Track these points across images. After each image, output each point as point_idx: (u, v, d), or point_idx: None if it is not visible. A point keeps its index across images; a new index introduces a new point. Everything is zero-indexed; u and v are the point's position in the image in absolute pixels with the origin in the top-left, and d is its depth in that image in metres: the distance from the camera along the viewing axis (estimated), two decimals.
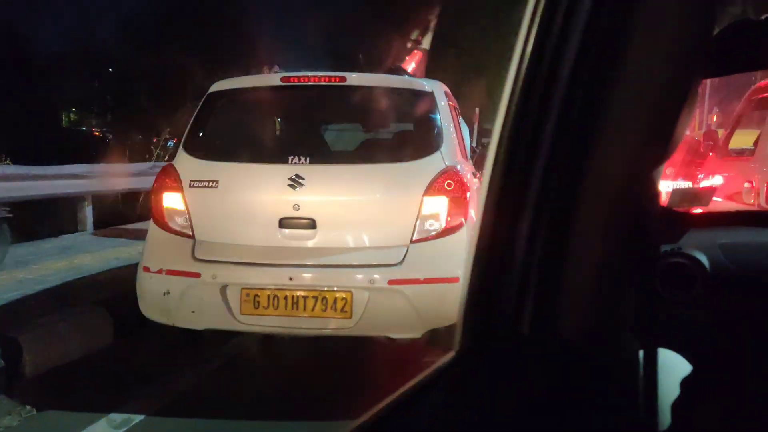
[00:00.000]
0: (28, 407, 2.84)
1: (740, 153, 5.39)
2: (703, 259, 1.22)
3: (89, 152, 10.20)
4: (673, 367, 1.04)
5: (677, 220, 1.43)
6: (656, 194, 0.64)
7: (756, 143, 4.98)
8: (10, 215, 5.19)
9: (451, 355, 0.70)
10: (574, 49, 0.60)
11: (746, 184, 4.51)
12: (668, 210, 1.62)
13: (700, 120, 21.30)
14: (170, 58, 14.29)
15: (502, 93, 0.66)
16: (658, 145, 0.60)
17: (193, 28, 16.28)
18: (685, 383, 0.92)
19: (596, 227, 0.62)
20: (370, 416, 0.62)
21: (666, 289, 1.24)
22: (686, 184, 7.37)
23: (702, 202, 1.64)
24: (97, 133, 19.06)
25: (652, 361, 0.76)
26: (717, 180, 5.33)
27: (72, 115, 22.95)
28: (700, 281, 1.20)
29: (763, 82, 5.22)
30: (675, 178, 8.28)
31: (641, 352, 0.93)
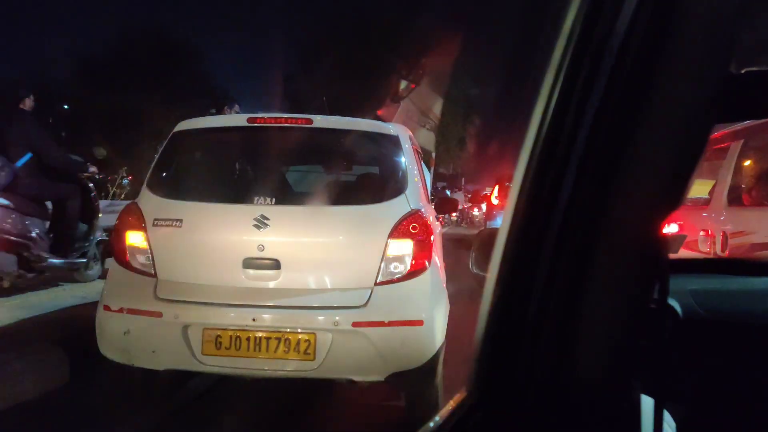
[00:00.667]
0: None
1: (696, 202, 5.56)
2: (676, 305, 1.21)
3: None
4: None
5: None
6: (665, 242, 0.66)
7: (711, 193, 5.14)
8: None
9: (462, 397, 0.70)
10: (598, 93, 0.61)
11: (701, 233, 4.64)
12: None
13: None
14: (126, 97, 14.20)
15: (526, 138, 0.67)
16: (673, 194, 0.62)
17: (149, 69, 16.25)
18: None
19: (611, 278, 0.63)
20: None
21: (645, 338, 1.27)
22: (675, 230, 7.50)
23: (672, 248, 1.69)
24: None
25: (658, 410, 0.78)
26: (673, 228, 5.49)
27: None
28: (673, 328, 1.25)
29: (717, 134, 5.42)
30: None
31: (644, 400, 0.96)
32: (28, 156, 5.16)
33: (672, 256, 1.83)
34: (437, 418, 0.67)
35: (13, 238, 4.84)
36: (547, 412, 0.65)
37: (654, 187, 0.62)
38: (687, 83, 0.60)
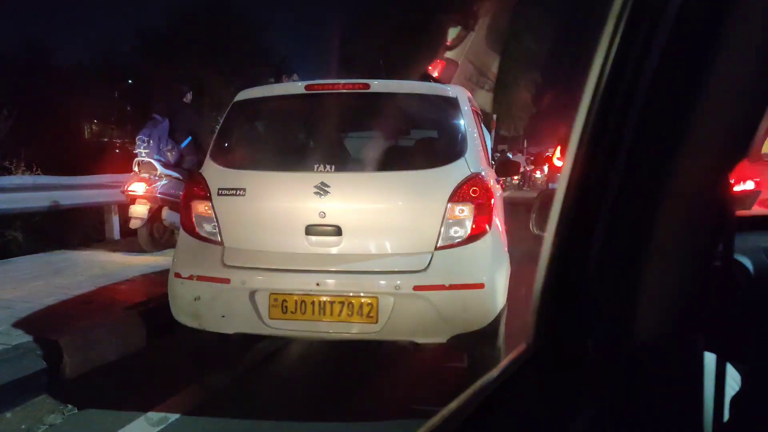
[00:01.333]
0: (70, 406, 2.96)
1: None
2: (747, 263, 1.18)
3: (112, 162, 10.42)
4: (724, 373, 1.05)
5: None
6: (732, 197, 0.64)
7: None
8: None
9: (521, 350, 0.71)
10: (657, 52, 0.60)
11: None
12: None
13: None
14: (188, 69, 14.50)
15: (584, 92, 0.65)
16: (738, 147, 0.61)
17: (209, 41, 16.49)
18: (737, 394, 0.93)
19: (674, 230, 0.62)
20: (453, 409, 0.64)
21: (711, 296, 1.23)
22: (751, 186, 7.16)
23: (745, 204, 1.60)
24: (117, 144, 19.43)
25: (719, 366, 0.76)
26: (749, 185, 5.24)
27: (93, 127, 23.38)
28: (745, 285, 1.20)
29: None
30: None
31: (707, 356, 0.93)
32: (189, 139, 6.51)
33: (746, 212, 1.72)
34: (498, 368, 0.68)
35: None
36: (605, 364, 0.65)
37: (716, 141, 0.60)
38: (753, 35, 0.57)
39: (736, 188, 5.34)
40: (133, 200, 5.99)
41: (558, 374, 0.68)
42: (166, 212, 6.13)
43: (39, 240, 7.16)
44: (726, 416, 0.80)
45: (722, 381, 0.72)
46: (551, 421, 0.63)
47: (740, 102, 0.59)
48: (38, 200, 6.75)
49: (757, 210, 4.34)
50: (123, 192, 6.14)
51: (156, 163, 6.02)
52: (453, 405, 0.63)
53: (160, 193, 5.98)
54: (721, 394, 0.72)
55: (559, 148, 14.80)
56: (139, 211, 5.97)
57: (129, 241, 7.10)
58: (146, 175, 5.99)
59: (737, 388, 0.88)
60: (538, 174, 22.74)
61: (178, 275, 3.16)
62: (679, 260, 0.63)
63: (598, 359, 0.65)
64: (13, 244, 6.79)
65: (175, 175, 6.15)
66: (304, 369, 3.47)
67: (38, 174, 8.30)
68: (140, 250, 6.15)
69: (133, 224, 6.10)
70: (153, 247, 6.19)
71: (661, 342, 0.64)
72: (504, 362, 0.69)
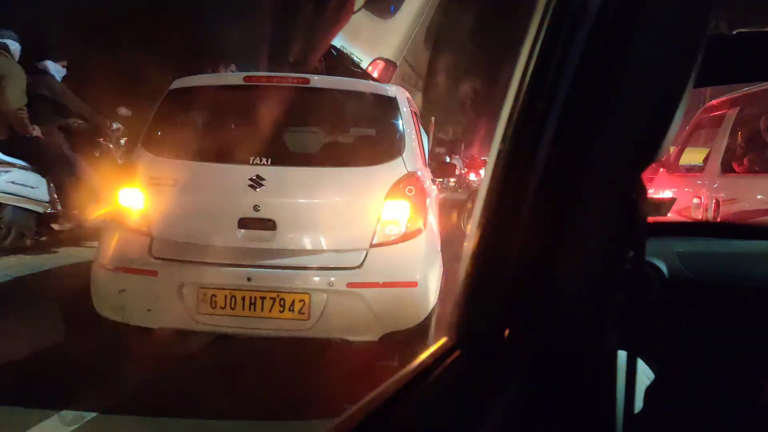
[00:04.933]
0: None
1: (690, 169, 5.59)
2: (662, 265, 1.25)
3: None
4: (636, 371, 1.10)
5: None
6: (646, 197, 0.66)
7: (705, 160, 5.18)
8: None
9: (442, 343, 0.72)
10: (576, 53, 0.62)
11: (695, 200, 4.70)
12: None
13: None
14: (123, 55, 13.98)
15: (507, 93, 0.67)
16: (652, 148, 0.63)
17: (146, 28, 15.97)
18: (649, 386, 0.97)
19: (587, 229, 0.64)
20: (366, 402, 0.64)
21: (623, 294, 1.30)
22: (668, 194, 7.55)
23: (662, 211, 1.72)
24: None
25: (630, 362, 0.79)
26: (666, 195, 5.52)
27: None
28: (659, 286, 1.27)
29: (714, 101, 5.45)
30: None
31: (619, 355, 0.97)
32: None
33: (662, 219, 1.84)
34: (417, 361, 0.69)
35: None
36: (521, 357, 0.67)
37: (627, 143, 0.63)
38: (663, 41, 0.60)
39: (655, 196, 5.63)
40: None
41: (474, 366, 0.69)
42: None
43: None
44: (637, 408, 0.84)
45: (633, 376, 0.75)
46: (465, 412, 0.65)
47: (650, 106, 0.62)
48: None
49: (671, 217, 4.59)
50: None
51: None
52: (367, 398, 0.63)
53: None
54: (631, 389, 0.75)
55: None
56: None
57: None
58: None
59: (648, 383, 0.93)
60: (473, 176, 23.32)
61: (102, 266, 3.04)
62: (591, 259, 0.65)
63: (515, 352, 0.67)
64: None
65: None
66: (230, 366, 3.40)
67: None
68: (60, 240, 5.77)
69: None
70: None
71: (574, 338, 0.66)
72: (423, 355, 0.70)
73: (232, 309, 2.89)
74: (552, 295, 0.65)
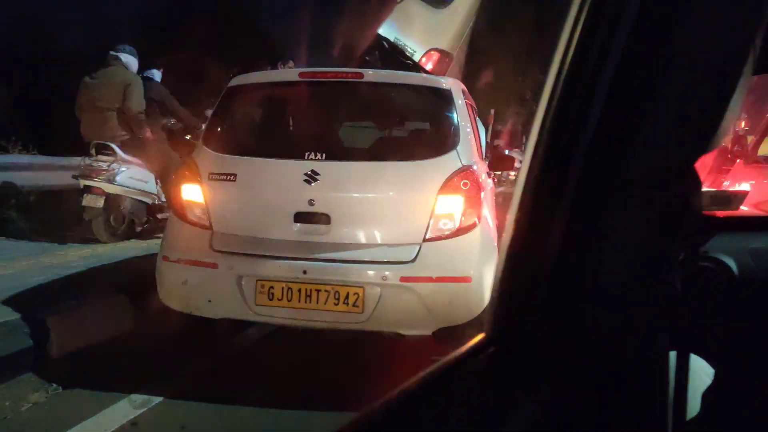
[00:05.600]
0: (54, 385, 2.97)
1: None
2: (731, 263, 1.17)
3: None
4: (697, 372, 1.05)
5: (705, 223, 1.39)
6: (699, 189, 0.63)
7: None
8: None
9: (479, 339, 0.71)
10: (620, 39, 0.58)
11: None
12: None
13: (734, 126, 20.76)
14: (186, 56, 14.44)
15: (545, 85, 0.65)
16: (702, 137, 0.60)
17: (206, 27, 16.44)
18: (710, 388, 0.92)
19: (634, 224, 0.61)
20: (398, 393, 0.64)
21: (690, 294, 1.22)
22: (744, 187, 7.18)
23: (732, 205, 1.58)
24: None
25: (683, 363, 0.76)
26: (744, 187, 5.24)
27: None
28: (726, 286, 1.17)
29: None
30: (707, 184, 8.06)
31: (671, 354, 0.93)
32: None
33: (733, 213, 1.70)
34: (453, 355, 0.68)
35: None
36: (560, 358, 0.64)
37: (674, 137, 0.59)
38: (713, 24, 0.57)
39: (729, 188, 5.34)
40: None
41: (509, 363, 0.67)
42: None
43: (32, 219, 7.15)
44: (694, 411, 0.81)
45: (685, 378, 0.72)
46: (497, 407, 0.64)
47: (700, 94, 0.59)
48: (34, 179, 6.76)
49: (746, 210, 4.33)
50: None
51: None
52: (396, 391, 0.63)
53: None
54: (683, 392, 0.72)
55: None
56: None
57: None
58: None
59: (707, 385, 0.89)
60: None
61: (166, 258, 3.17)
62: (636, 257, 0.62)
63: (551, 350, 0.65)
64: (8, 222, 6.77)
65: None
66: (289, 355, 3.48)
67: (35, 154, 8.29)
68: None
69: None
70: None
71: (617, 338, 0.63)
72: (461, 349, 0.70)
73: (289, 301, 2.95)
74: (592, 293, 0.62)
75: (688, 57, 0.57)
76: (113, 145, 5.50)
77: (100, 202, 5.43)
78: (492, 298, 0.71)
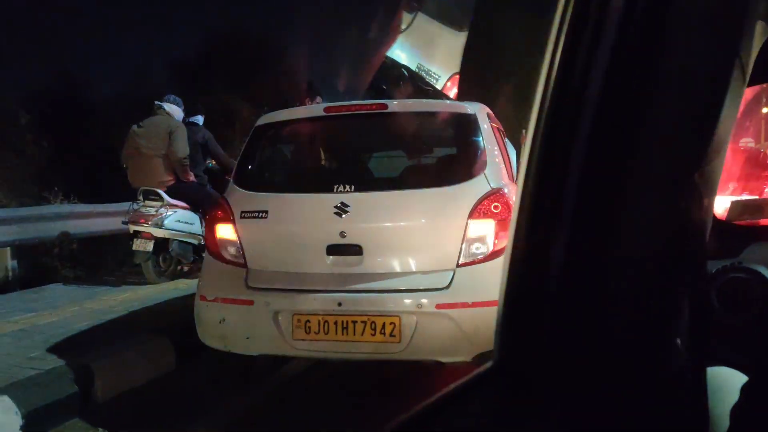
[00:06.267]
0: (101, 429, 3.02)
1: None
2: (767, 273, 1.11)
3: None
4: (730, 387, 1.01)
5: (738, 233, 1.32)
6: (704, 200, 0.60)
7: None
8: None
9: (487, 366, 0.68)
10: (607, 48, 0.57)
11: None
12: (728, 222, 1.53)
13: (766, 131, 20.25)
14: (216, 98, 14.82)
15: (534, 97, 0.63)
16: (700, 147, 0.58)
17: (237, 70, 16.88)
18: (741, 405, 0.89)
19: (639, 238, 0.59)
20: (406, 418, 0.63)
21: (724, 307, 1.15)
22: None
23: (765, 213, 1.52)
24: None
25: (701, 379, 0.73)
26: None
27: None
28: (762, 298, 1.14)
29: None
30: (739, 192, 7.83)
31: (703, 370, 0.89)
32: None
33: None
34: (463, 380, 0.67)
35: None
36: (569, 378, 0.62)
37: (679, 137, 0.58)
38: (708, 34, 0.56)
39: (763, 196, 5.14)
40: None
41: (519, 388, 0.65)
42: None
43: (75, 266, 7.35)
44: (724, 428, 0.77)
45: (716, 396, 0.69)
46: None
47: (690, 105, 0.57)
48: (75, 227, 6.97)
49: None
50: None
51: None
52: (404, 415, 0.62)
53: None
54: (714, 410, 0.69)
55: None
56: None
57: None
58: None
59: (740, 401, 0.86)
60: None
61: (203, 298, 3.22)
62: (644, 272, 0.59)
63: (566, 374, 0.62)
64: (52, 270, 6.99)
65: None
66: (331, 388, 3.47)
67: (75, 202, 8.55)
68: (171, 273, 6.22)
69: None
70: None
71: (639, 355, 0.61)
72: (471, 375, 0.68)
73: (326, 334, 2.96)
74: (602, 311, 0.60)
75: (677, 67, 0.56)
76: (160, 191, 5.72)
77: (150, 246, 5.65)
78: (497, 319, 0.69)
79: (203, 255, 5.98)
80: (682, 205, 0.59)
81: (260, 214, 3.19)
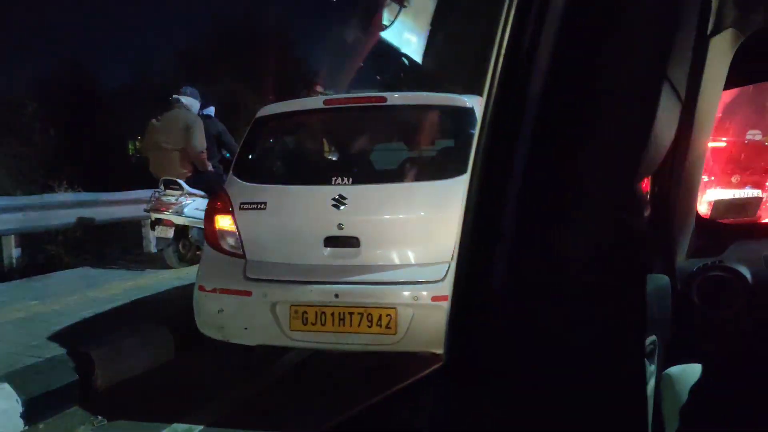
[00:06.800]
0: (99, 417, 3.06)
1: None
2: (746, 272, 1.16)
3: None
4: (682, 388, 0.98)
5: (721, 231, 1.34)
6: (639, 205, 0.62)
7: None
8: None
9: (437, 366, 0.69)
10: (543, 66, 0.58)
11: None
12: (711, 221, 1.54)
13: None
14: (223, 87, 14.82)
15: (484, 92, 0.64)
16: (635, 153, 0.59)
17: (244, 60, 16.90)
18: (690, 403, 0.90)
19: (577, 237, 0.60)
20: (352, 414, 0.64)
21: (706, 303, 1.17)
22: (755, 193, 6.96)
23: (748, 212, 1.55)
24: None
25: (642, 376, 0.74)
26: (752, 192, 5.04)
27: (138, 144, 24.08)
28: (742, 295, 1.16)
29: None
30: (742, 186, 7.79)
31: (649, 367, 0.91)
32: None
33: (747, 220, 1.67)
34: (414, 378, 0.68)
35: None
36: (518, 376, 0.63)
37: (615, 142, 0.58)
38: (645, 41, 0.57)
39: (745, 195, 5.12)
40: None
41: (464, 384, 0.66)
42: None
43: (79, 255, 7.41)
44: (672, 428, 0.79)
45: (644, 391, 0.70)
46: (453, 424, 0.63)
47: (627, 114, 0.57)
48: (79, 216, 7.02)
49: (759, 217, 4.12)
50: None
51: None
52: (355, 410, 0.63)
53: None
54: (643, 406, 0.70)
55: None
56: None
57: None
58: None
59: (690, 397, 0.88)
60: None
61: (202, 288, 3.24)
62: (583, 268, 0.60)
63: (507, 369, 0.63)
64: (56, 258, 7.04)
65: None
66: (328, 379, 3.50)
67: (79, 191, 8.60)
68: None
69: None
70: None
71: (571, 353, 0.61)
72: (420, 374, 0.69)
73: (323, 325, 2.98)
74: (544, 309, 0.61)
75: (613, 73, 0.57)
76: (180, 181, 5.94)
77: (170, 233, 5.91)
78: (447, 319, 0.69)
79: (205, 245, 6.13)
80: (618, 213, 0.60)
81: (259, 206, 3.21)
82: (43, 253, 7.23)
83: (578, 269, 0.60)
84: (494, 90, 0.62)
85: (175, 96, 6.27)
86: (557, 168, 0.59)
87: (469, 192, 0.65)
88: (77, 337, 3.68)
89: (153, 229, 6.00)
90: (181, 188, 5.90)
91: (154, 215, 5.90)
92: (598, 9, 0.56)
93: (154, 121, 6.23)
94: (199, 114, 6.41)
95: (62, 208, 6.96)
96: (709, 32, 1.07)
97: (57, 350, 3.41)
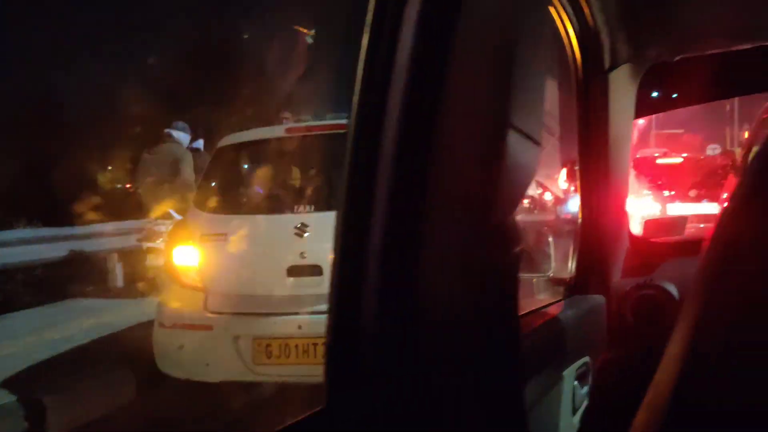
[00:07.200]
0: None
1: None
2: (673, 290, 1.21)
3: (122, 208, 10.59)
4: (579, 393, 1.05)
5: (653, 250, 1.42)
6: (496, 209, 0.60)
7: None
8: None
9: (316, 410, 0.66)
10: (401, 87, 0.59)
11: None
12: (644, 240, 1.60)
13: (731, 137, 20.79)
14: (196, 113, 14.76)
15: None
16: (487, 158, 0.59)
17: (215, 84, 16.86)
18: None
19: (444, 243, 0.59)
20: None
21: (639, 322, 1.22)
22: (712, 207, 7.22)
23: (675, 231, 1.64)
24: (130, 189, 19.60)
25: (521, 386, 0.72)
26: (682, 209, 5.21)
27: (108, 174, 23.75)
28: (670, 313, 1.18)
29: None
30: (699, 200, 8.07)
31: (580, 391, 0.90)
32: None
33: (678, 238, 1.74)
34: (292, 421, 0.62)
35: None
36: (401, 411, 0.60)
37: (468, 147, 0.58)
38: (489, 44, 0.58)
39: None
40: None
41: (350, 382, 0.63)
42: None
43: (39, 292, 7.17)
44: None
45: (523, 400, 0.70)
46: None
47: (482, 114, 0.57)
48: (39, 252, 6.82)
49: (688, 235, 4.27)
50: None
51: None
52: None
53: None
54: (524, 413, 0.70)
55: (564, 170, 14.74)
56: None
57: (130, 288, 7.10)
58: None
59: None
60: (548, 195, 22.60)
61: (161, 325, 3.14)
62: (460, 271, 0.59)
63: (391, 408, 0.60)
64: (14, 297, 6.80)
65: None
66: (298, 410, 3.39)
67: (39, 227, 8.37)
68: (141, 296, 6.16)
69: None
70: None
71: (445, 362, 0.60)
72: (302, 416, 0.65)
73: (287, 357, 2.91)
74: (417, 326, 0.59)
75: (461, 74, 0.57)
76: (170, 210, 5.99)
77: (161, 261, 5.82)
78: (324, 354, 0.66)
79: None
80: (480, 212, 0.59)
81: (219, 236, 3.14)
82: (2, 294, 6.97)
83: (457, 265, 0.59)
84: (358, 97, 0.62)
85: (167, 130, 6.46)
86: (421, 171, 0.58)
87: (337, 219, 0.65)
88: (32, 383, 3.52)
89: (146, 258, 6.16)
90: (171, 217, 5.99)
91: (146, 244, 6.08)
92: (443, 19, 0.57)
93: (146, 153, 6.46)
94: (188, 147, 6.59)
95: (20, 245, 6.78)
96: (606, 68, 1.19)
97: (6, 398, 3.24)
